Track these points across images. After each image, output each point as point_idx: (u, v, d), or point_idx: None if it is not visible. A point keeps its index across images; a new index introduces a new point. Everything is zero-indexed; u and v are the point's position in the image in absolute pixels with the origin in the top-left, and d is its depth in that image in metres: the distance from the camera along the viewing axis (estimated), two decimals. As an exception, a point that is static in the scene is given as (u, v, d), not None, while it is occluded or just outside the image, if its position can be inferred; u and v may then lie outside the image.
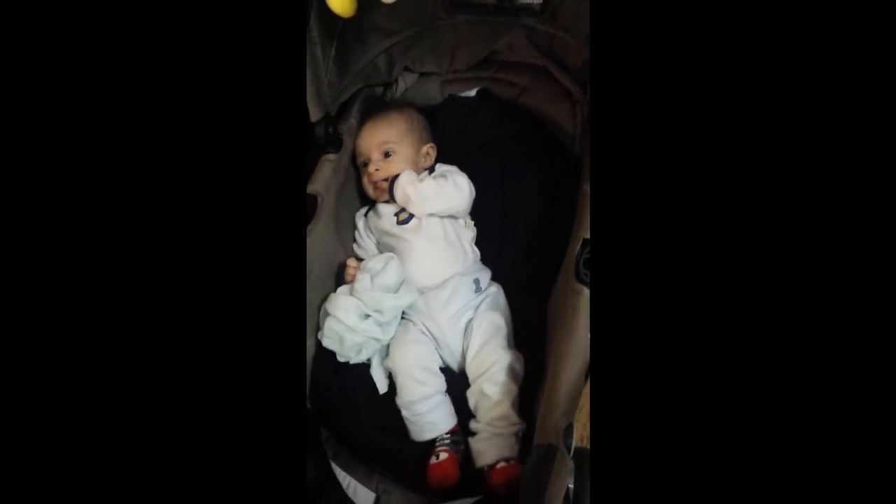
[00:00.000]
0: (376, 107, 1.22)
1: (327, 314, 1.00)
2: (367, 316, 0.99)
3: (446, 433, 0.96)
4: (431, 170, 1.15)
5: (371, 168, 1.13)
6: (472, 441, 0.93)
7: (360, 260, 1.09)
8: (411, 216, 1.09)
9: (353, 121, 1.16)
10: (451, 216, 1.11)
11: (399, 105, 1.23)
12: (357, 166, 1.18)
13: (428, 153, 1.18)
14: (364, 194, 1.19)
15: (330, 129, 1.10)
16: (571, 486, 0.72)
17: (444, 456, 0.92)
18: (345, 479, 0.96)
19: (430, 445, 0.95)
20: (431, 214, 1.08)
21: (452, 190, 1.08)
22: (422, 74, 1.25)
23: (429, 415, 0.96)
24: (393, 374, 1.00)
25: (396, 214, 1.11)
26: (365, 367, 1.03)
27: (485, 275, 1.09)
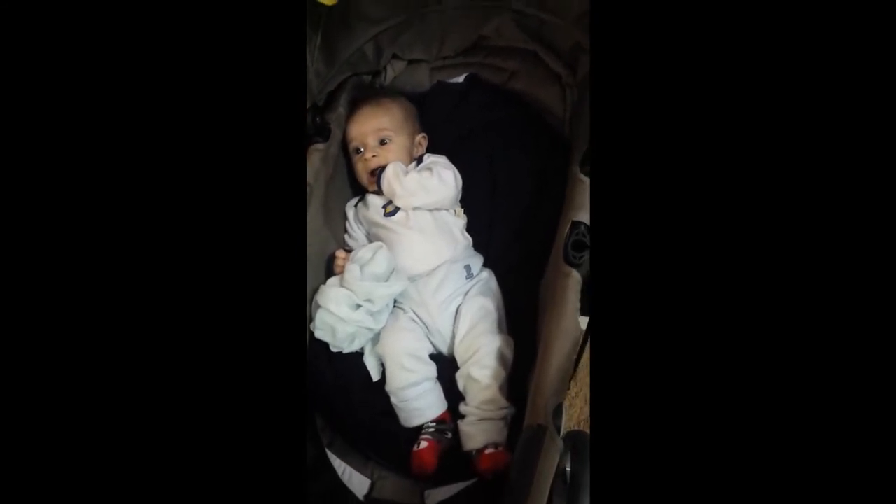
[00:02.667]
0: (367, 94, 1.21)
1: (318, 306, 1.00)
2: (359, 306, 0.99)
3: (433, 420, 0.96)
4: (420, 160, 1.15)
5: (368, 154, 1.12)
6: (461, 424, 0.93)
7: (349, 251, 1.09)
8: (398, 208, 1.09)
9: (341, 110, 1.15)
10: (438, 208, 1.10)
11: (391, 93, 1.22)
12: (347, 156, 1.18)
13: (420, 143, 1.17)
14: (354, 184, 1.19)
15: (317, 119, 1.09)
16: (568, 468, 0.72)
17: (424, 445, 0.93)
18: (340, 466, 0.97)
19: (420, 432, 0.96)
20: (417, 208, 1.08)
21: (437, 184, 1.07)
22: (410, 62, 1.24)
23: (416, 401, 0.96)
24: (383, 362, 1.00)
25: (384, 206, 1.10)
26: (358, 355, 1.03)
27: (476, 261, 1.09)
